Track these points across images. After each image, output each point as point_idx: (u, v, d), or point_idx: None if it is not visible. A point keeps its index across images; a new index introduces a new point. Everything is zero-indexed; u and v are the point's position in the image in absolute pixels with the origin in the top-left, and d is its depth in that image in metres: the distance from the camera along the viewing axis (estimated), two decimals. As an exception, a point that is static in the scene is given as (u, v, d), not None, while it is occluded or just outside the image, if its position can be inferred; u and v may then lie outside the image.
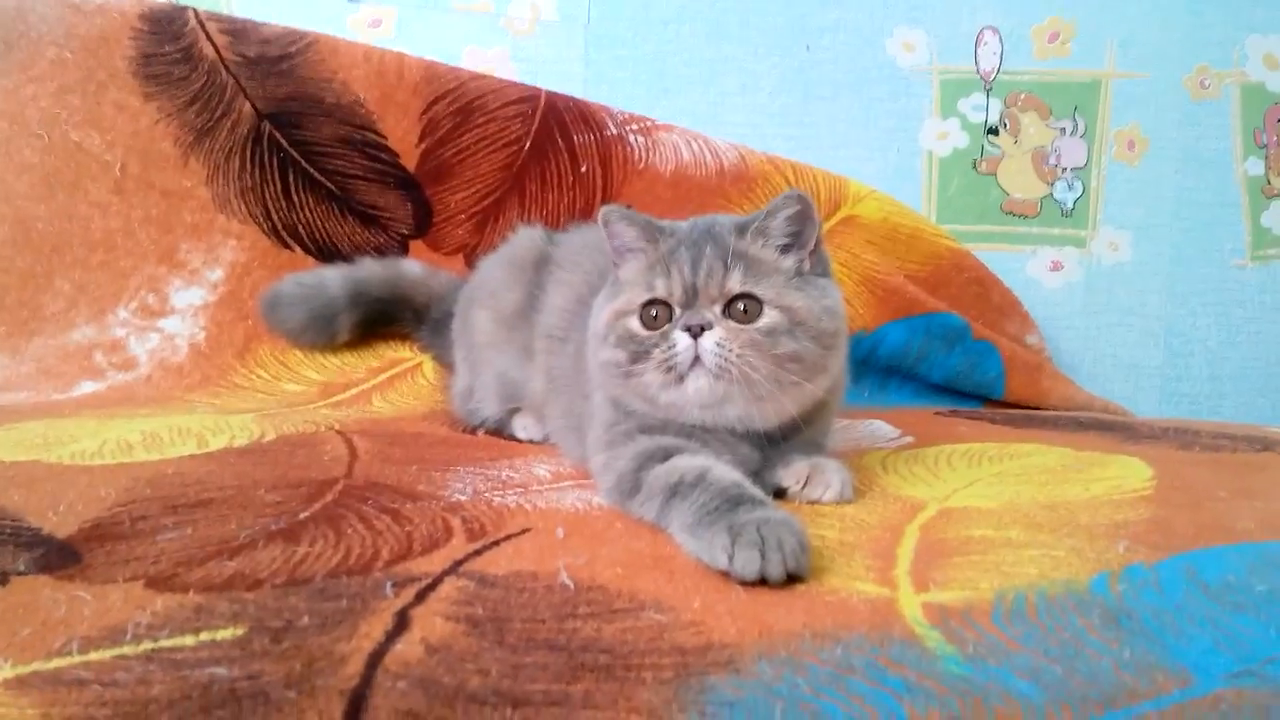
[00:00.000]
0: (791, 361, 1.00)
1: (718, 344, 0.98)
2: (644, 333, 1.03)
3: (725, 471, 0.92)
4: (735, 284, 1.01)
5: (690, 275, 1.02)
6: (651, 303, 1.04)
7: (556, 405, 1.32)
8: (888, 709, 0.56)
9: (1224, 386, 2.30)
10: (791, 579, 0.76)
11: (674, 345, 0.99)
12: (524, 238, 1.54)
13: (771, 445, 1.07)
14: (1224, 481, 1.17)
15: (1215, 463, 1.32)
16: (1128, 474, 1.21)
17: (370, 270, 1.78)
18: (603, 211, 1.10)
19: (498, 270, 1.52)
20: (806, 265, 1.06)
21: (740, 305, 1.00)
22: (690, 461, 0.94)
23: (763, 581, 0.75)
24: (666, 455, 0.97)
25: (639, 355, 1.02)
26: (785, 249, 1.05)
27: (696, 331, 0.99)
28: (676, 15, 2.21)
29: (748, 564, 0.75)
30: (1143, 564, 0.83)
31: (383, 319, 1.79)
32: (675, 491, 0.89)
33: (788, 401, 1.02)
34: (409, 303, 1.77)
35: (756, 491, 0.88)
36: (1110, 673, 0.61)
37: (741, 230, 1.05)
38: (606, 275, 1.16)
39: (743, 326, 1.00)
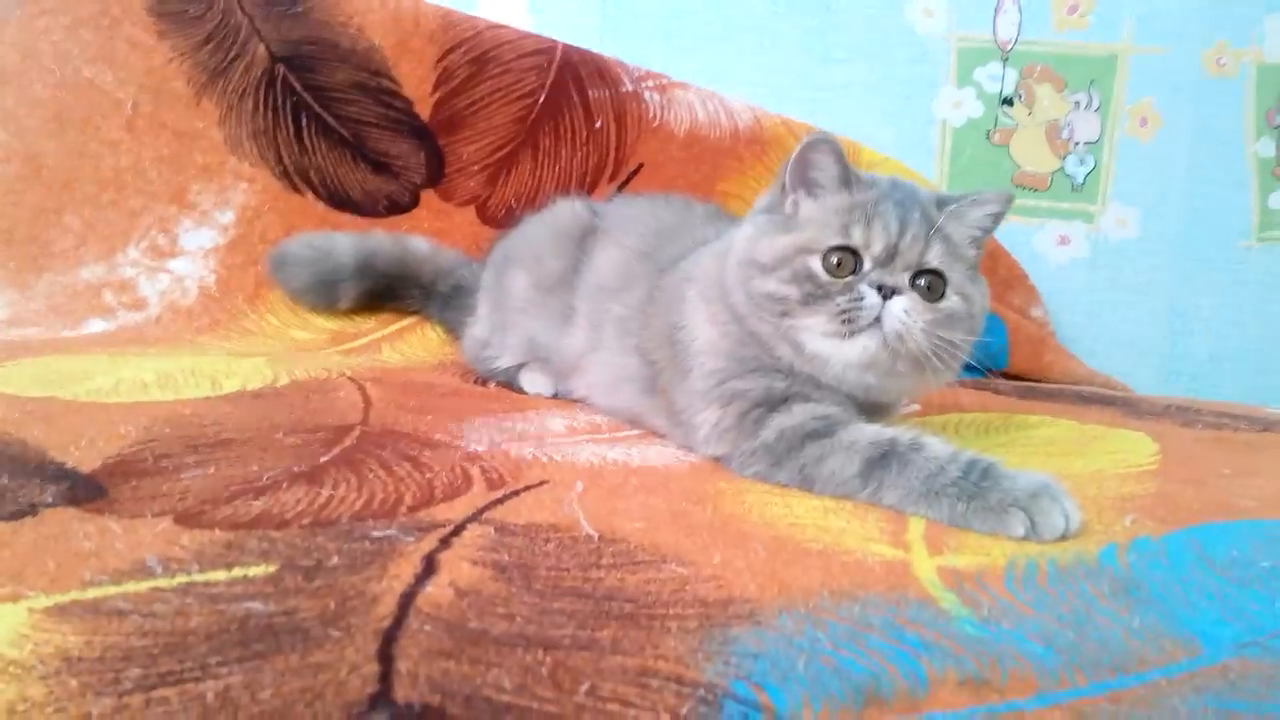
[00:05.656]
0: (949, 348, 0.98)
1: (905, 312, 0.95)
2: (826, 277, 0.99)
3: (932, 440, 0.90)
4: (934, 258, 0.98)
5: (896, 235, 0.98)
6: (841, 249, 0.99)
7: (601, 355, 1.29)
8: (906, 666, 0.57)
9: (1224, 366, 2.30)
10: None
11: (861, 298, 0.96)
12: (569, 209, 1.51)
13: (874, 414, 1.06)
14: (1227, 460, 1.19)
15: (1218, 441, 1.34)
16: (1133, 449, 1.23)
17: (379, 242, 1.75)
18: (809, 139, 1.03)
19: (543, 235, 1.48)
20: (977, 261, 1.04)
21: (926, 282, 0.98)
22: (875, 431, 0.93)
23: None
24: (827, 428, 0.95)
25: (814, 298, 0.98)
26: (974, 241, 1.03)
27: (887, 294, 0.96)
28: (696, -30, 2.19)
29: (1051, 529, 0.81)
30: (1150, 537, 0.84)
31: (387, 293, 1.77)
32: (882, 463, 0.89)
33: (921, 384, 1.01)
34: (415, 280, 1.75)
35: (984, 458, 0.88)
36: (1121, 640, 0.63)
37: (942, 206, 1.01)
38: (665, 238, 1.14)
39: (927, 304, 0.98)
